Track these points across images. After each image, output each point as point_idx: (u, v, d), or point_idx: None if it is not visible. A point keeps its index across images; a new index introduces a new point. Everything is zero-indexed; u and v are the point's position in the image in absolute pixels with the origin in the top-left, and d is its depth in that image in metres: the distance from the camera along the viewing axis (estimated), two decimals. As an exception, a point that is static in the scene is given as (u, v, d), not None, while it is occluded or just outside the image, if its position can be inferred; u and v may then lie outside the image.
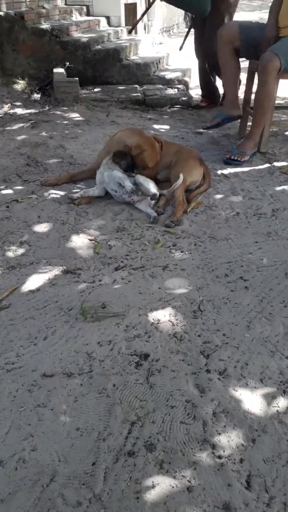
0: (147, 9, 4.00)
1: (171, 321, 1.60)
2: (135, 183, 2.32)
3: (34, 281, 1.80)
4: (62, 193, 2.49)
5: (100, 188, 2.40)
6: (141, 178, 2.33)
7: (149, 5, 3.89)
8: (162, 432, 1.21)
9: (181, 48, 4.08)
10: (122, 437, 1.19)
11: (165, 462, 1.13)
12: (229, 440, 1.19)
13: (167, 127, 3.64)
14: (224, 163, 2.92)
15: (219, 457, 1.15)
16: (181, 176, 2.34)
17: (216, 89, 4.05)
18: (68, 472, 1.11)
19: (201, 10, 3.47)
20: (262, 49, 2.75)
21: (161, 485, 1.08)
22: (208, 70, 3.87)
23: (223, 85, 3.17)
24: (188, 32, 4.15)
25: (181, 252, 2.01)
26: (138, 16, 4.98)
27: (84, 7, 5.36)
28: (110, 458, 1.14)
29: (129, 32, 4.37)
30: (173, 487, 1.08)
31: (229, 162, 2.91)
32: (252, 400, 1.30)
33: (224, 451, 1.16)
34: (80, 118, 3.70)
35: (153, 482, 1.09)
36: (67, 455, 1.15)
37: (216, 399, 1.30)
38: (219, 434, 1.21)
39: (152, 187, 2.31)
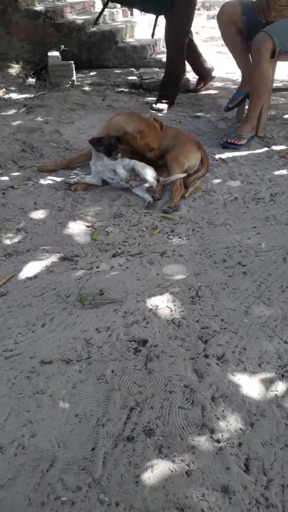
0: (103, 9, 3.87)
1: (169, 307, 1.60)
2: (132, 168, 2.29)
3: (32, 268, 1.78)
4: (58, 179, 2.47)
5: (97, 177, 2.37)
6: (139, 166, 2.30)
7: (104, 5, 3.78)
8: (160, 417, 1.21)
9: (152, 35, 3.97)
10: (121, 423, 1.19)
11: (164, 447, 1.14)
12: (228, 424, 1.20)
13: (164, 111, 3.58)
14: (222, 147, 2.88)
15: (218, 441, 1.16)
16: (181, 174, 2.33)
17: (202, 64, 3.95)
18: (67, 457, 1.11)
19: (156, 11, 3.42)
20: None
21: (160, 469, 1.09)
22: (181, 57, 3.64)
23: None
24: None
25: (179, 238, 2.00)
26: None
27: (79, -12, 5.22)
28: (109, 444, 1.14)
29: (94, 23, 4.17)
30: (172, 471, 1.09)
31: (226, 146, 2.88)
32: (250, 385, 1.31)
33: (222, 435, 1.17)
34: (76, 103, 3.63)
35: (152, 466, 1.10)
36: (66, 441, 1.15)
37: (215, 384, 1.30)
38: (218, 418, 1.21)
39: (150, 176, 2.28)
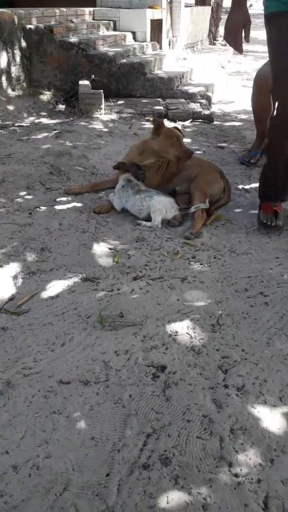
0: None
1: (189, 334, 1.59)
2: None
3: (54, 288, 1.81)
4: (84, 202, 2.52)
5: (118, 206, 2.41)
6: (153, 207, 2.27)
7: None
8: (177, 446, 1.18)
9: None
10: (137, 449, 1.17)
11: (180, 478, 1.11)
12: (247, 458, 1.16)
13: (188, 140, 3.66)
14: (240, 163, 3.22)
15: (236, 475, 1.12)
16: (207, 202, 2.35)
17: None
18: (81, 481, 1.09)
19: None
20: None
21: (175, 501, 1.06)
22: None
23: (256, 124, 3.21)
24: None
25: (200, 264, 2.00)
26: (164, 32, 4.97)
27: (111, 22, 5.48)
28: (124, 470, 1.12)
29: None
30: (188, 504, 1.05)
31: (242, 162, 3.22)
32: (271, 419, 1.27)
33: (241, 470, 1.13)
34: (103, 129, 3.75)
35: (167, 497, 1.07)
36: (81, 464, 1.13)
37: (234, 416, 1.27)
38: (236, 451, 1.18)
39: (157, 221, 2.26)
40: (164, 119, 4.12)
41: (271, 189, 2.29)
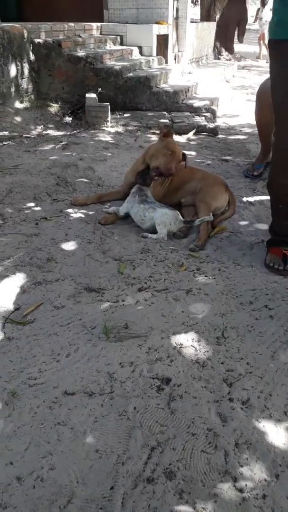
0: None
1: (194, 346, 1.59)
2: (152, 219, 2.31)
3: (59, 298, 1.82)
4: (89, 213, 2.54)
5: (124, 212, 2.43)
6: (157, 220, 2.27)
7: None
8: (182, 460, 1.18)
9: None
10: (141, 462, 1.17)
11: (185, 492, 1.10)
12: (252, 473, 1.15)
13: (193, 153, 3.70)
14: (244, 176, 3.25)
15: (241, 490, 1.11)
16: (211, 214, 2.36)
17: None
18: (85, 494, 1.09)
19: None
20: None
21: (180, 516, 1.05)
22: None
23: (260, 138, 3.25)
24: None
25: (205, 276, 2.01)
26: (170, 47, 5.08)
27: (118, 37, 5.58)
28: (128, 483, 1.12)
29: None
30: (192, 519, 1.04)
31: (246, 175, 3.24)
32: (276, 433, 1.27)
33: (246, 485, 1.12)
34: (109, 142, 3.80)
35: (172, 512, 1.06)
36: (85, 477, 1.13)
37: (239, 430, 1.27)
38: (241, 466, 1.17)
39: (163, 234, 2.27)
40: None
41: (278, 234, 2.13)
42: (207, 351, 1.56)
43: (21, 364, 1.48)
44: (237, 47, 12.01)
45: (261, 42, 10.58)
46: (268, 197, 2.81)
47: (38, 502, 1.07)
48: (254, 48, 12.55)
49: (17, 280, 1.91)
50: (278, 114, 1.91)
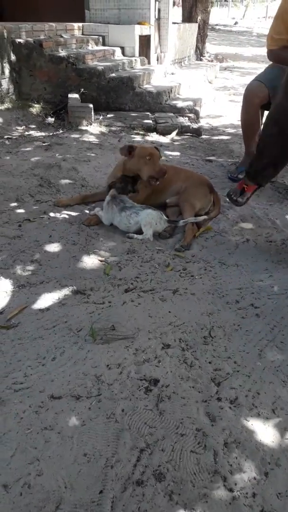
0: None
1: (181, 347, 1.58)
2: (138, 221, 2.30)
3: (44, 301, 1.79)
4: (74, 214, 2.52)
5: (107, 221, 2.39)
6: (143, 222, 2.27)
7: None
8: (171, 461, 1.17)
9: None
10: (130, 465, 1.16)
11: (175, 493, 1.09)
12: (241, 472, 1.15)
13: (177, 153, 3.71)
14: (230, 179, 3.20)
15: (231, 490, 1.11)
16: (192, 218, 2.36)
17: None
18: (74, 499, 1.07)
19: None
20: None
21: (170, 518, 1.04)
22: None
23: (244, 139, 3.24)
24: None
25: (191, 276, 2.01)
26: (152, 48, 5.07)
27: (100, 38, 5.56)
28: (118, 487, 1.10)
29: None
30: (183, 520, 1.04)
31: (229, 177, 3.22)
32: (264, 431, 1.27)
33: (236, 484, 1.12)
34: (93, 142, 3.77)
35: (162, 514, 1.05)
36: (73, 482, 1.11)
37: (228, 429, 1.27)
38: (231, 465, 1.17)
39: (149, 234, 2.27)
40: (153, 132, 4.17)
41: (251, 167, 2.34)
42: (195, 351, 1.56)
43: (6, 369, 1.44)
44: (218, 48, 12.13)
45: None
46: (252, 197, 2.85)
47: (25, 510, 1.04)
48: (235, 49, 12.68)
49: (0, 283, 1.88)
50: None
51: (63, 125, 4.16)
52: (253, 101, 2.95)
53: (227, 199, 2.48)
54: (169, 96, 4.96)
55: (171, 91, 5.03)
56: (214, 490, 1.10)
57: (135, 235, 2.29)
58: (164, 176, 2.41)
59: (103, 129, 4.12)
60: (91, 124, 4.12)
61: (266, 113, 3.18)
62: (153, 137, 4.07)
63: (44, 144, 3.64)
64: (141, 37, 5.64)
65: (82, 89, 4.46)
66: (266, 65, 3.06)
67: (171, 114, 4.59)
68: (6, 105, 4.25)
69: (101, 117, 4.40)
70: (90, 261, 2.09)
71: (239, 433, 1.26)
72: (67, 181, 2.96)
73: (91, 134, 3.97)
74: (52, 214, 2.49)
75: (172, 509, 1.06)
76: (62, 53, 4.61)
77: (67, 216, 2.49)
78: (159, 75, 5.60)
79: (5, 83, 4.27)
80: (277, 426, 1.29)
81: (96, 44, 5.47)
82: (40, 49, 4.42)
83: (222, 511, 1.06)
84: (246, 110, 3.06)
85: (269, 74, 2.89)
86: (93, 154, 3.49)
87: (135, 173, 2.41)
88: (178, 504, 1.07)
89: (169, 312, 1.76)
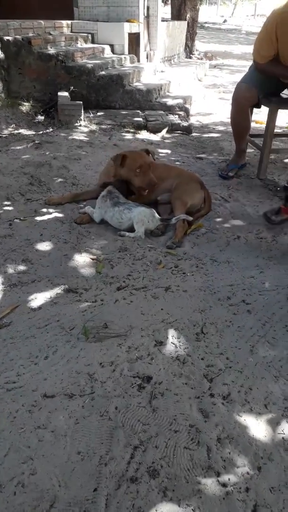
0: None
1: (174, 343, 1.59)
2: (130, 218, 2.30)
3: (36, 300, 1.78)
4: (65, 212, 2.51)
5: (98, 218, 2.39)
6: (135, 219, 2.27)
7: None
8: (165, 458, 1.18)
9: None
10: (124, 462, 1.16)
11: (169, 490, 1.10)
12: (234, 467, 1.16)
13: (168, 151, 3.71)
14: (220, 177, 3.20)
15: (224, 485, 1.12)
16: (184, 216, 2.36)
17: None
18: (68, 498, 1.07)
19: None
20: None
21: (165, 514, 1.04)
22: None
23: (235, 138, 3.30)
24: None
25: (183, 273, 2.01)
26: (141, 46, 5.08)
27: (89, 35, 5.52)
28: (112, 484, 1.10)
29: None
30: (177, 516, 1.04)
31: (220, 175, 3.22)
32: (257, 426, 1.28)
33: (229, 479, 1.13)
34: (83, 140, 3.75)
35: (156, 510, 1.05)
36: (67, 480, 1.11)
37: (221, 424, 1.28)
38: (224, 461, 1.18)
39: (140, 232, 2.27)
40: (143, 130, 4.17)
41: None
42: (187, 348, 1.57)
43: (-2, 368, 1.44)
44: (208, 46, 12.15)
45: None
46: (242, 194, 2.86)
47: (19, 509, 1.04)
48: (224, 47, 12.72)
49: (-8, 282, 1.86)
50: None
51: (53, 123, 4.13)
52: (242, 104, 3.03)
53: (263, 218, 2.49)
54: (159, 94, 4.95)
55: (161, 89, 5.02)
56: (208, 486, 1.11)
57: (127, 233, 2.29)
58: (154, 185, 2.43)
59: (94, 127, 4.11)
60: (81, 122, 4.10)
61: (255, 110, 3.21)
62: (144, 135, 4.06)
63: (34, 142, 3.61)
64: (130, 34, 5.62)
65: (72, 87, 4.43)
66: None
67: (161, 112, 4.58)
68: (-5, 103, 4.21)
69: (91, 115, 4.38)
70: (82, 260, 2.08)
71: (232, 429, 1.27)
72: (57, 179, 2.94)
73: (82, 132, 3.96)
74: (43, 213, 2.48)
75: (166, 505, 1.06)
76: (51, 50, 4.57)
77: (58, 215, 2.47)
78: (149, 73, 5.59)
79: (-6, 81, 4.23)
80: (269, 421, 1.30)
81: (85, 41, 5.44)
82: (29, 46, 4.38)
83: (216, 506, 1.07)
84: (237, 112, 3.12)
85: (255, 74, 2.91)
86: (83, 152, 3.47)
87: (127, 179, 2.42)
88: (172, 500, 1.07)
89: (162, 309, 1.76)
